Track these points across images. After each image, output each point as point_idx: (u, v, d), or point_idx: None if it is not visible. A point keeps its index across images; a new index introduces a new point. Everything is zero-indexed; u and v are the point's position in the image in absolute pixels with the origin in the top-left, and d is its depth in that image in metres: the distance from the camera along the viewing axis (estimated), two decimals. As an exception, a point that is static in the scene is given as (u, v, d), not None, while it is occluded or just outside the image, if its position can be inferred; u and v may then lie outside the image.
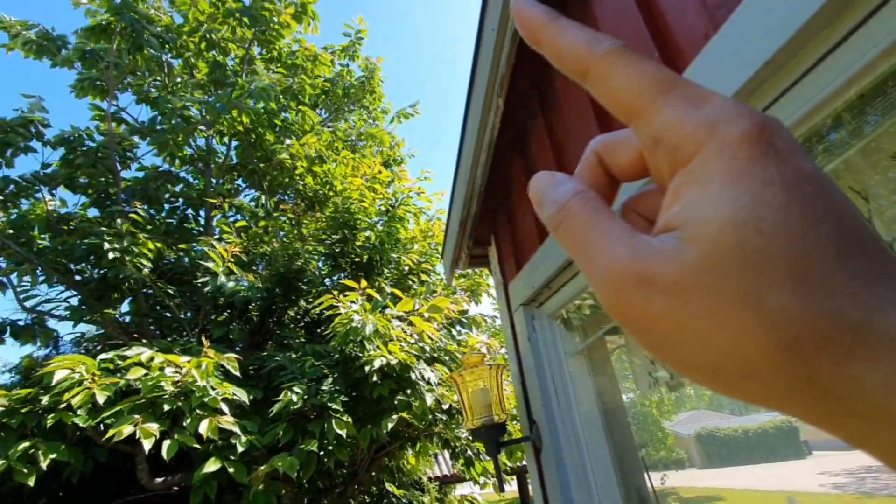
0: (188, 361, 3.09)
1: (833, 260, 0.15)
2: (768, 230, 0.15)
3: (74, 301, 5.15)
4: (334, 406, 3.29)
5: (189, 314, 5.55)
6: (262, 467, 3.11)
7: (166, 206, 6.39)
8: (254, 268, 5.62)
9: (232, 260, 4.56)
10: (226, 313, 5.40)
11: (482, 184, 1.93)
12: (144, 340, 3.83)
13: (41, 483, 3.00)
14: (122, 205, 5.24)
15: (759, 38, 0.74)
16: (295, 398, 3.22)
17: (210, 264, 4.44)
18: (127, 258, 4.54)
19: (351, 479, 4.48)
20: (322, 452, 3.29)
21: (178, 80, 6.65)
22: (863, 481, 13.33)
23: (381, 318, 3.58)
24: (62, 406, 2.84)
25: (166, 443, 2.85)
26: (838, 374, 0.15)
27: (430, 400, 3.54)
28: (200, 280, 4.58)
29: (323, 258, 5.81)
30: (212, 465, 2.99)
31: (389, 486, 5.65)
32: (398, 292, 4.20)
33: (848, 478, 14.29)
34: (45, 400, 2.90)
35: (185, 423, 2.92)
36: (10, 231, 5.07)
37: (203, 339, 3.47)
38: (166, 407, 2.88)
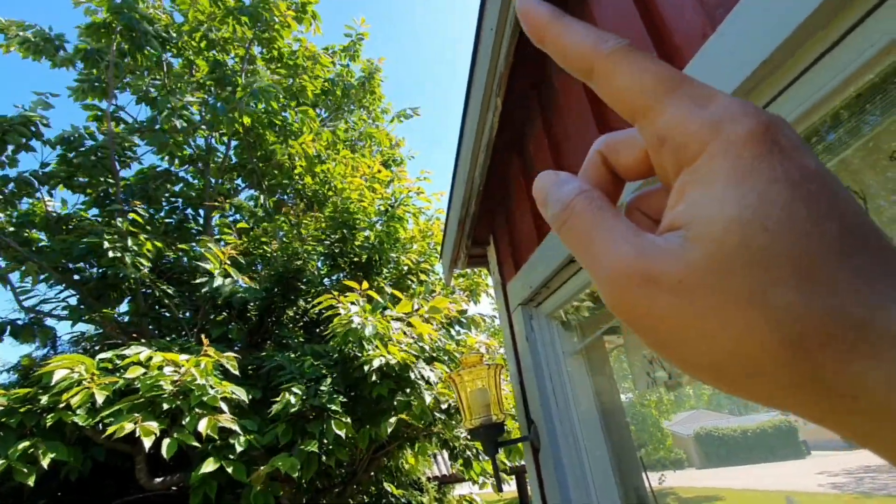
0: (187, 360, 3.09)
1: (836, 257, 0.15)
2: (773, 228, 0.15)
3: (73, 300, 5.15)
4: (333, 407, 3.29)
5: (188, 314, 5.54)
6: (263, 467, 3.10)
7: (165, 206, 6.39)
8: (253, 268, 5.61)
9: (228, 262, 4.55)
10: (224, 313, 5.39)
11: (481, 184, 1.93)
12: (143, 340, 3.82)
13: (40, 483, 2.99)
14: (122, 204, 5.23)
15: (756, 37, 0.74)
16: (293, 400, 3.22)
17: (207, 265, 4.44)
18: (126, 257, 4.53)
19: (350, 478, 4.48)
20: (322, 452, 3.29)
21: (179, 81, 6.64)
22: (861, 481, 13.34)
23: (381, 319, 3.58)
24: (61, 405, 2.84)
25: (166, 441, 2.85)
26: (841, 371, 0.15)
27: (428, 398, 3.54)
28: (198, 281, 4.58)
29: (322, 258, 5.81)
30: (210, 465, 2.99)
31: (388, 486, 5.65)
32: (398, 293, 4.20)
33: (847, 478, 14.29)
34: (44, 399, 2.90)
35: (184, 422, 2.91)
36: (11, 229, 5.06)
37: (202, 338, 3.46)
38: (165, 406, 2.88)
